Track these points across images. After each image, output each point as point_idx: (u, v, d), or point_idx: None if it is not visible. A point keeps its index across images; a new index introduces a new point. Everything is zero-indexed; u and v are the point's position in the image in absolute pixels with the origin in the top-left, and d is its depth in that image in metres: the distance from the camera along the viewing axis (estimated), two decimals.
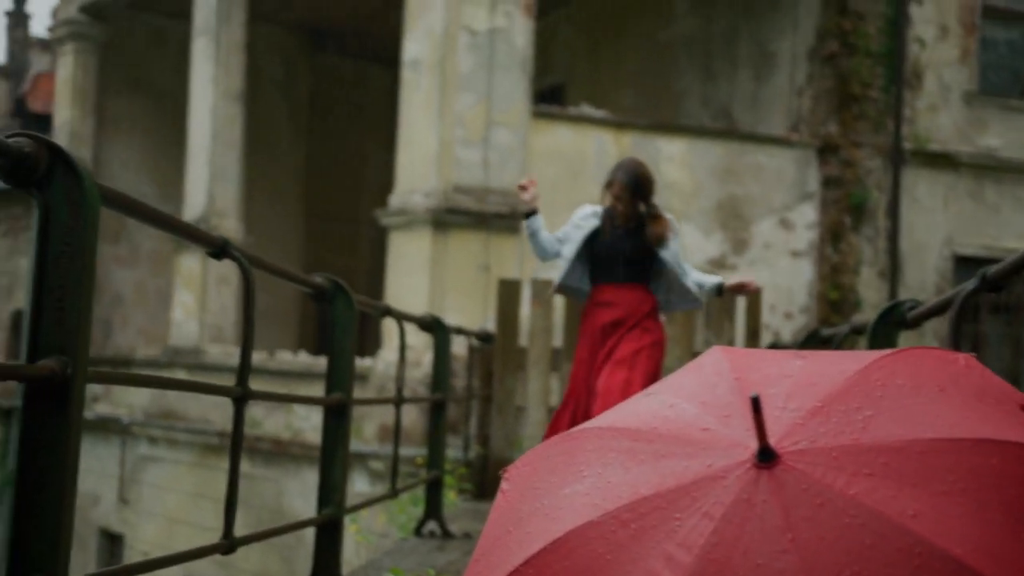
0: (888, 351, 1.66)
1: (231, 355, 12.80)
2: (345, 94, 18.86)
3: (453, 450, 7.27)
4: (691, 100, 14.16)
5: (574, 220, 5.31)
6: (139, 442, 14.16)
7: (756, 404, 1.46)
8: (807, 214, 12.15)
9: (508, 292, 7.39)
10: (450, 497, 6.75)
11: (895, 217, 12.36)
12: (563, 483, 1.60)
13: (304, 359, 12.28)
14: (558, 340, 7.47)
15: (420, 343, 9.55)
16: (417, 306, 9.29)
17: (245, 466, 11.47)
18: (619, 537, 1.47)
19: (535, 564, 1.50)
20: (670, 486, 1.49)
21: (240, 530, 2.70)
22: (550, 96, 14.86)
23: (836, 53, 12.26)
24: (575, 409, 5.17)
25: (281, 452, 11.79)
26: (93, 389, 14.24)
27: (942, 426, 1.48)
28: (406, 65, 11.05)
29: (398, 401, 4.60)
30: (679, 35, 14.42)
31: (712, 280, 5.41)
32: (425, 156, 10.75)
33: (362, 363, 10.35)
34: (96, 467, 14.38)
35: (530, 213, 5.23)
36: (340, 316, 3.59)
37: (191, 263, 13.85)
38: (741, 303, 7.47)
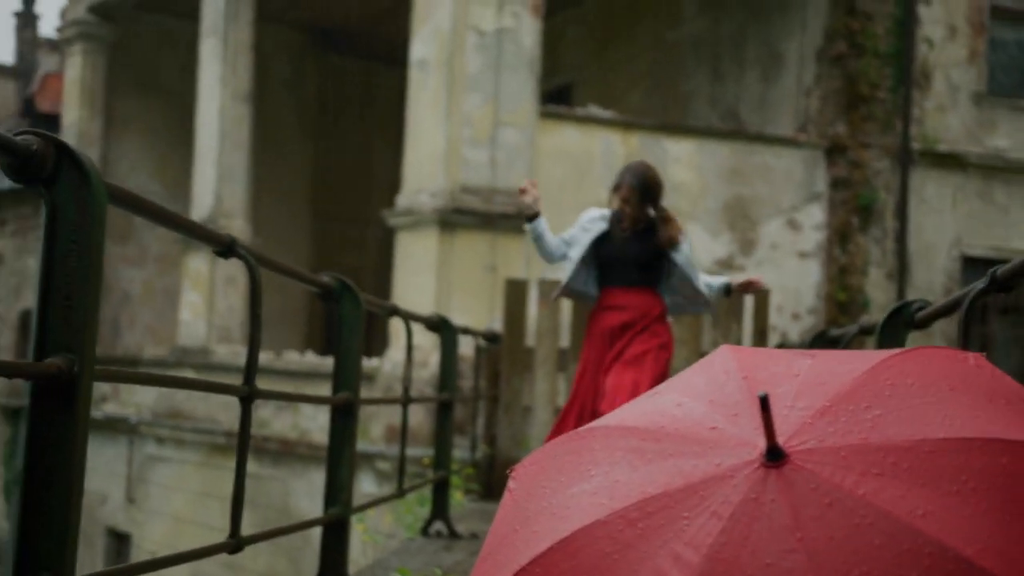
0: (897, 350, 1.65)
1: (238, 355, 12.81)
2: (353, 94, 18.87)
3: (460, 450, 7.26)
4: (699, 101, 14.14)
5: (581, 223, 5.26)
6: (146, 442, 14.18)
7: (764, 403, 1.45)
8: (815, 215, 12.13)
9: (515, 292, 7.39)
10: (457, 497, 6.74)
11: (903, 218, 12.32)
12: (570, 482, 1.60)
13: (311, 359, 12.29)
14: (565, 340, 7.46)
15: (427, 343, 9.55)
16: (424, 306, 9.29)
17: (252, 466, 11.47)
18: (626, 536, 1.46)
19: (542, 563, 1.50)
20: (678, 485, 1.48)
21: (247, 530, 2.70)
22: (558, 96, 14.84)
23: (844, 54, 12.24)
24: (580, 411, 5.15)
25: (288, 452, 11.79)
26: (101, 389, 14.27)
27: (951, 425, 1.47)
28: (414, 65, 11.05)
29: (405, 401, 4.60)
30: (687, 36, 14.41)
31: (719, 281, 5.39)
32: (432, 156, 10.75)
33: (369, 363, 10.35)
34: (103, 466, 14.41)
35: (532, 216, 5.12)
36: (347, 316, 3.58)
37: (199, 263, 13.87)
38: (748, 304, 7.45)
